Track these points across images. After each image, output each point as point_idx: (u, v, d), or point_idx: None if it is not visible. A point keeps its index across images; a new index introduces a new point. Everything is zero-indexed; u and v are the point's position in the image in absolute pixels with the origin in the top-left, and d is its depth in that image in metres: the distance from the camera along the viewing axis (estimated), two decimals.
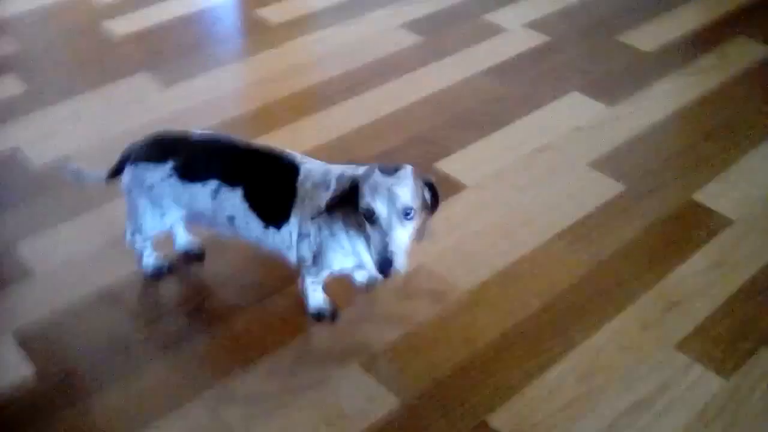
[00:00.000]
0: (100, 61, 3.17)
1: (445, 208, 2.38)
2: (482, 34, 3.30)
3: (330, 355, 1.98)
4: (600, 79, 3.01)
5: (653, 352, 1.98)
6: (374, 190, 1.65)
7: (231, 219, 1.91)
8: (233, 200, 1.88)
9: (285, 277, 2.12)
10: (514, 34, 3.31)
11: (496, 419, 1.83)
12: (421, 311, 2.09)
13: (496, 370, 1.94)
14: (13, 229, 2.37)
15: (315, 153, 2.54)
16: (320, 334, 2.03)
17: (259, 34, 3.35)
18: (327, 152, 2.62)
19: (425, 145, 2.67)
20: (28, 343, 2.03)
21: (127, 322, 2.08)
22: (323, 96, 2.93)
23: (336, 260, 1.88)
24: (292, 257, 1.92)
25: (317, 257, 1.88)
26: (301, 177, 1.84)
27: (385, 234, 1.64)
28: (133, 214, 2.03)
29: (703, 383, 1.90)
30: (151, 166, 1.93)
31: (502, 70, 3.07)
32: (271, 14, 3.47)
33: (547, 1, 3.56)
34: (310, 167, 1.86)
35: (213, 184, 1.89)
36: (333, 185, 1.78)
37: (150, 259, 2.17)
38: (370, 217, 1.65)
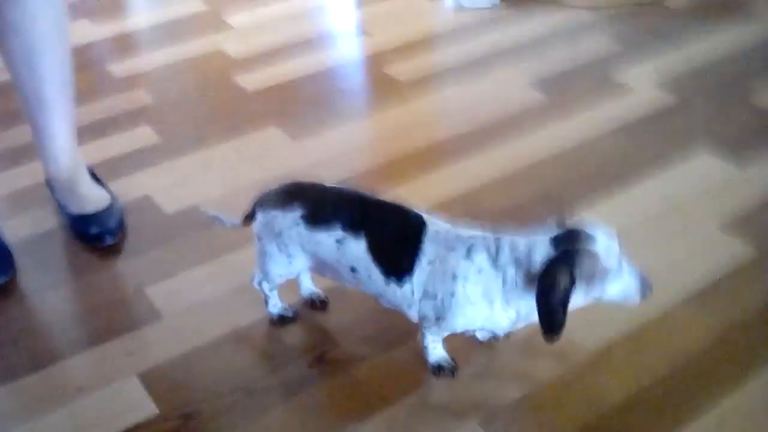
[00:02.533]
0: (231, 114, 3.26)
1: None
2: (609, 93, 3.28)
3: (448, 411, 1.97)
4: (730, 141, 2.95)
5: None
6: (605, 253, 1.71)
7: (353, 270, 1.92)
8: (356, 251, 1.89)
9: (407, 329, 2.12)
10: (641, 94, 3.27)
11: None
12: (544, 370, 2.06)
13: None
14: (143, 273, 2.44)
15: (441, 207, 2.58)
16: (440, 389, 2.02)
17: (386, 90, 3.39)
18: (453, 207, 2.62)
19: (550, 204, 2.65)
20: (152, 384, 2.07)
21: (251, 368, 2.11)
22: (449, 152, 2.94)
23: (462, 323, 1.88)
24: (413, 315, 1.92)
25: (441, 319, 1.87)
26: (428, 236, 1.85)
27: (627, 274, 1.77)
28: (262, 260, 2.08)
29: None
30: (280, 212, 1.96)
31: (629, 130, 3.04)
32: (398, 72, 3.51)
33: (676, 60, 3.51)
34: (438, 228, 1.87)
35: (337, 233, 1.90)
36: (481, 252, 1.79)
37: (275, 308, 2.22)
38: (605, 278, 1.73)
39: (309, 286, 2.27)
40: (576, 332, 2.14)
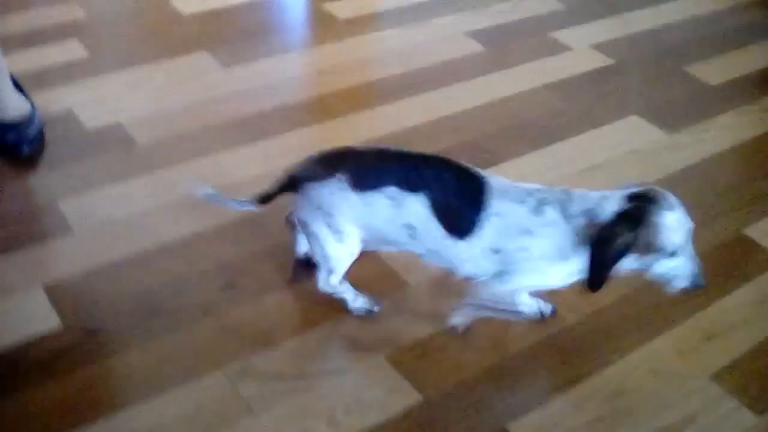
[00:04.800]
0: (163, 36, 3.18)
1: None
2: (546, 51, 3.28)
3: (357, 344, 1.96)
4: (661, 107, 2.97)
5: (686, 380, 1.93)
6: (673, 227, 1.67)
7: (411, 228, 1.80)
8: (414, 207, 1.77)
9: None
10: (578, 54, 3.28)
11: (517, 428, 1.79)
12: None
13: (524, 379, 1.90)
14: (58, 186, 2.38)
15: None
16: (350, 323, 2.01)
17: (323, 26, 3.34)
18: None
19: (476, 152, 2.64)
20: (58, 297, 2.03)
21: (159, 289, 2.07)
22: (381, 93, 2.91)
23: (529, 281, 1.80)
24: (466, 270, 1.83)
25: (505, 274, 1.79)
26: (492, 190, 1.75)
27: (686, 260, 1.72)
28: (318, 250, 1.89)
29: (734, 417, 1.85)
30: (320, 183, 1.80)
31: (563, 88, 3.04)
32: (338, 9, 3.47)
33: (616, 25, 3.52)
34: (502, 182, 1.77)
35: (391, 191, 1.77)
36: (552, 204, 1.72)
37: (357, 302, 2.03)
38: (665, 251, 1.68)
39: (305, 245, 2.10)
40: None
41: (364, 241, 1.89)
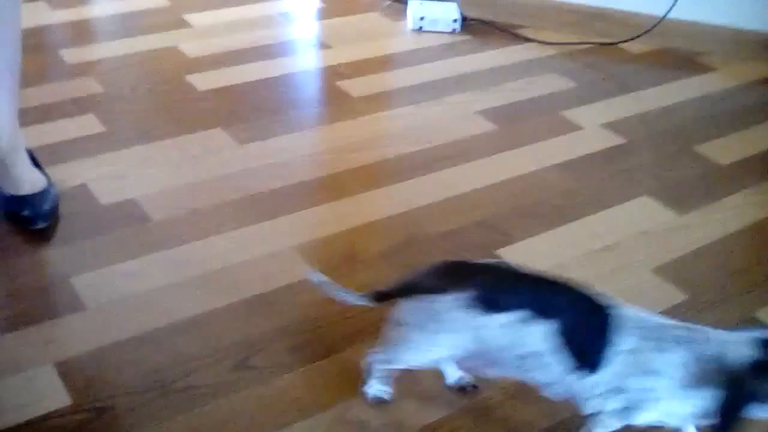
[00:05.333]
0: (179, 112, 3.22)
1: None
2: (557, 130, 3.30)
3: (366, 429, 1.95)
4: (672, 187, 2.98)
5: None
6: None
7: (522, 357, 1.71)
8: (536, 337, 1.69)
9: (333, 343, 2.10)
10: (589, 133, 3.30)
11: None
12: (471, 399, 2.05)
13: None
14: (72, 261, 2.39)
15: (379, 225, 2.58)
16: (360, 406, 2.00)
17: (337, 104, 3.38)
18: (391, 227, 2.62)
19: (488, 232, 2.65)
20: (68, 374, 2.03)
21: (169, 367, 2.07)
22: (393, 171, 2.94)
23: (652, 418, 1.72)
24: (590, 406, 1.74)
25: (630, 410, 1.71)
26: (621, 324, 1.68)
27: None
28: (397, 346, 1.85)
29: None
30: (443, 295, 1.73)
31: (575, 167, 3.06)
32: (351, 87, 3.51)
33: (626, 104, 3.55)
34: (630, 316, 1.70)
35: (516, 316, 1.68)
36: (683, 345, 1.65)
37: (373, 389, 2.00)
38: None
39: (454, 372, 2.07)
40: None
41: (460, 360, 1.85)
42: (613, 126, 3.37)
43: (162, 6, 4.14)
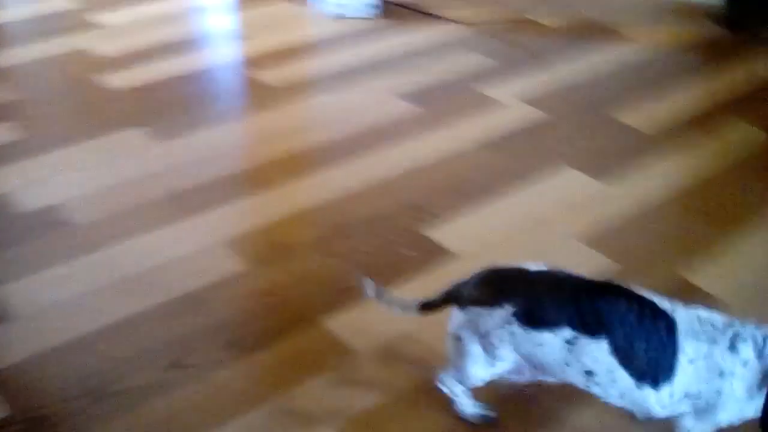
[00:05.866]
0: (96, 114, 3.18)
1: (433, 275, 2.38)
2: (477, 107, 3.32)
3: (306, 417, 1.94)
4: (595, 156, 3.01)
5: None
6: None
7: (590, 373, 1.68)
8: (596, 352, 1.64)
9: (271, 333, 2.09)
10: (509, 109, 3.32)
11: None
12: (404, 378, 2.05)
13: None
14: None
15: (307, 215, 2.57)
16: (299, 396, 1.99)
17: (258, 95, 3.36)
18: (319, 215, 2.62)
19: (416, 212, 2.65)
20: (3, 384, 1.99)
21: (103, 372, 2.04)
22: (318, 159, 2.93)
23: (725, 418, 1.69)
24: (657, 413, 1.70)
25: (703, 413, 1.68)
26: (682, 331, 1.64)
27: None
28: (461, 361, 1.81)
29: None
30: (486, 310, 1.71)
31: (497, 143, 3.07)
32: (272, 77, 3.49)
33: (546, 78, 3.58)
34: (690, 319, 1.66)
35: (566, 332, 1.65)
36: (747, 342, 1.63)
37: (470, 408, 1.94)
38: None
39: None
40: (430, 338, 2.15)
41: (521, 371, 1.81)
42: (534, 101, 3.39)
43: (73, 8, 4.08)
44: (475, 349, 1.75)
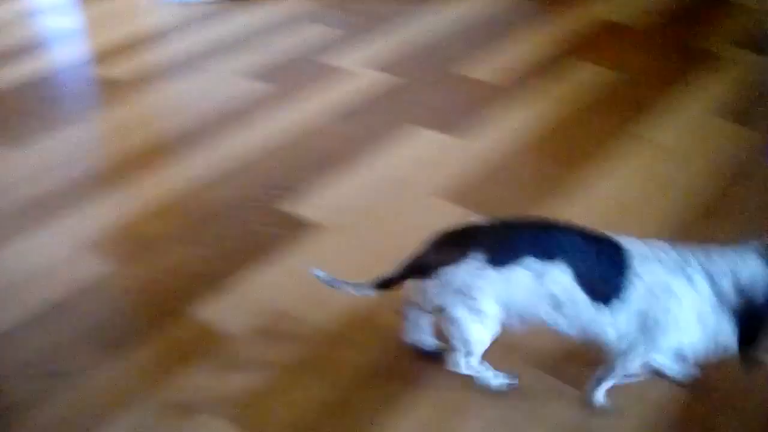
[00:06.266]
0: None
1: (299, 248, 2.41)
2: (327, 79, 3.35)
3: (192, 408, 1.95)
4: (448, 113, 3.08)
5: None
6: None
7: (554, 299, 1.75)
8: (557, 277, 1.73)
9: (146, 329, 2.08)
10: (359, 77, 3.36)
11: None
12: (284, 355, 2.08)
13: (363, 403, 1.94)
14: None
15: (167, 206, 2.56)
16: (181, 388, 1.99)
17: (106, 92, 3.31)
18: (178, 204, 2.61)
19: (276, 191, 2.67)
20: None
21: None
22: (173, 149, 2.91)
23: (669, 343, 1.75)
24: (610, 336, 1.77)
25: (648, 339, 1.75)
26: (635, 257, 1.72)
27: None
28: (457, 334, 1.84)
29: None
30: (455, 266, 1.75)
31: (350, 112, 3.11)
32: (118, 72, 3.44)
33: (392, 41, 3.62)
34: (641, 248, 1.75)
35: (530, 261, 1.72)
36: (700, 272, 1.70)
37: (496, 379, 1.97)
38: None
39: (417, 337, 2.06)
40: (312, 313, 2.18)
41: (502, 321, 1.83)
42: (383, 65, 3.43)
43: None
44: (461, 312, 1.79)
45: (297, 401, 1.95)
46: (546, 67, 3.41)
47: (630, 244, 1.75)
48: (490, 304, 1.76)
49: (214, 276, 2.31)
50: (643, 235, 2.32)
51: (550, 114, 3.07)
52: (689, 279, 1.69)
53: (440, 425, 1.89)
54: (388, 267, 2.30)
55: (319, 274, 1.92)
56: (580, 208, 2.58)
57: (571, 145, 2.89)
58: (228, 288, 2.27)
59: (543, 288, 1.73)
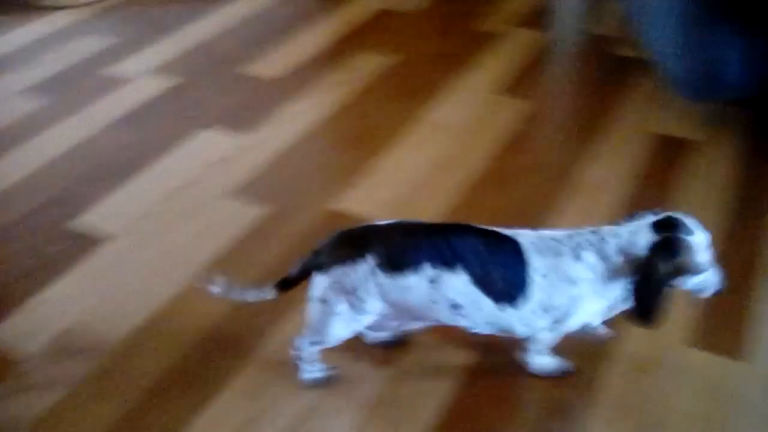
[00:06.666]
0: None
1: (89, 263, 2.34)
2: (107, 89, 3.27)
3: None
4: (234, 111, 3.07)
5: None
6: (701, 247, 1.72)
7: (455, 306, 1.77)
8: (457, 285, 1.74)
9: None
10: (140, 83, 3.30)
11: None
12: (78, 369, 2.02)
13: (164, 411, 1.92)
14: None
15: None
16: None
17: None
18: None
19: (60, 207, 2.59)
20: None
21: None
22: None
23: (577, 321, 1.84)
24: (524, 332, 1.84)
25: (559, 323, 1.82)
26: (528, 249, 1.76)
27: (712, 271, 1.77)
28: (320, 324, 1.84)
29: None
30: (349, 267, 1.75)
31: (132, 119, 3.05)
32: None
33: (171, 45, 3.58)
34: (532, 239, 1.79)
35: (428, 272, 1.74)
36: (588, 248, 1.76)
37: (313, 374, 1.97)
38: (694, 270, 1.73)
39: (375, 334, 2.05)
40: (105, 325, 2.14)
41: (386, 319, 1.86)
42: (164, 69, 3.39)
43: None
44: (341, 308, 1.79)
45: (95, 415, 1.91)
46: (328, 60, 3.44)
47: (522, 237, 1.79)
48: (374, 306, 1.79)
49: (1, 300, 2.23)
50: (432, 210, 2.41)
51: (335, 104, 3.10)
52: (583, 261, 1.76)
53: (247, 424, 1.89)
54: (185, 270, 2.29)
55: (214, 290, 1.88)
56: (369, 191, 2.62)
57: (357, 132, 2.94)
58: (18, 310, 2.20)
59: (439, 294, 1.76)
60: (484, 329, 1.85)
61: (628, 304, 1.81)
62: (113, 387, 1.98)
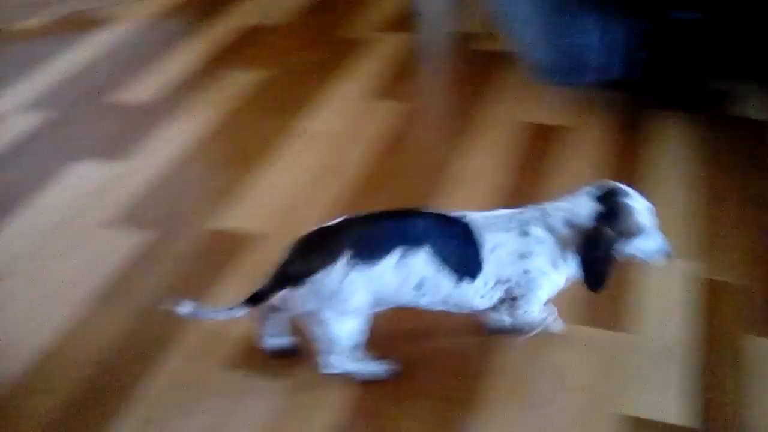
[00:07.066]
0: None
1: None
2: None
3: None
4: (107, 141, 3.02)
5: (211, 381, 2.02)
6: (641, 208, 1.83)
7: (419, 285, 1.84)
8: (419, 265, 1.82)
9: None
10: (8, 121, 3.20)
11: None
12: None
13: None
14: None
15: None
16: None
17: None
18: None
19: None
20: None
21: None
22: None
23: (544, 294, 1.93)
24: (483, 305, 1.93)
25: (522, 297, 1.90)
26: (478, 226, 1.86)
27: (657, 235, 1.86)
28: (324, 335, 1.88)
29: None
30: (325, 272, 1.78)
31: (5, 158, 2.96)
32: None
33: (40, 79, 3.50)
34: (481, 217, 1.89)
35: (395, 255, 1.80)
36: (535, 223, 1.86)
37: (371, 367, 2.00)
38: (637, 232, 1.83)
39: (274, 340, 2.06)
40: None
41: (372, 308, 1.89)
42: (31, 106, 3.30)
43: None
44: (329, 314, 1.82)
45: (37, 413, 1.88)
46: (200, 80, 3.42)
47: (471, 218, 1.89)
48: (360, 300, 1.82)
49: None
50: (315, 219, 2.43)
51: (210, 124, 3.09)
52: (532, 236, 1.86)
53: None
54: (71, 306, 2.25)
55: (182, 311, 1.84)
56: (250, 207, 2.63)
57: (234, 150, 2.93)
58: None
59: (412, 274, 1.83)
60: (443, 306, 1.93)
61: (579, 274, 1.89)
62: (21, 408, 1.95)
